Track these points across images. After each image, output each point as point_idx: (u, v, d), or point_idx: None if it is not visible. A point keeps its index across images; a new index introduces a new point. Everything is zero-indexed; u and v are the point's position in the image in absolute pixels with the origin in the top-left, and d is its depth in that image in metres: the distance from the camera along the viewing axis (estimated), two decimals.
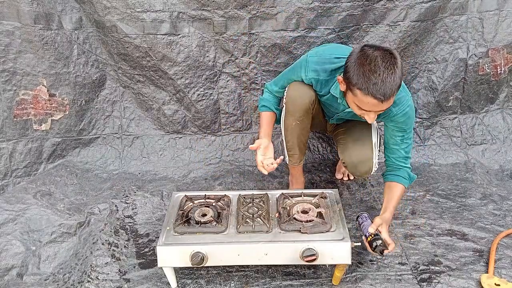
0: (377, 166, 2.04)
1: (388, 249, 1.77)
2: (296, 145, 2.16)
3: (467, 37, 2.68)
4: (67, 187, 2.50)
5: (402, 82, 1.90)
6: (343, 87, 1.76)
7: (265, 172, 1.94)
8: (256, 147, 1.93)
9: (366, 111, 1.72)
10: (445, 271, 1.90)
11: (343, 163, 2.15)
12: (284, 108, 2.10)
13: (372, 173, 2.05)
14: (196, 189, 2.55)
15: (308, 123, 2.13)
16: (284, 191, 2.06)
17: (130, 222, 2.28)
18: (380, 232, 1.79)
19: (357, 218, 1.93)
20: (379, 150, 2.09)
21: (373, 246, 1.76)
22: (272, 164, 1.92)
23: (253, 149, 1.94)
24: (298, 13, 2.50)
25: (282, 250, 1.73)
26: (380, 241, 1.76)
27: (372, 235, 1.78)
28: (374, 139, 2.06)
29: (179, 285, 1.87)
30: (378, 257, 1.98)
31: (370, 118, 1.75)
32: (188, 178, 2.66)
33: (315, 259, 1.69)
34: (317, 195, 1.99)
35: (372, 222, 1.83)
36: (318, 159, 2.78)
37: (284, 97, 2.08)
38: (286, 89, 2.07)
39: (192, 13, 2.52)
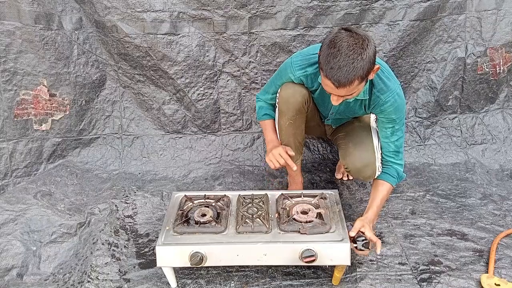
0: (380, 170, 2.03)
1: (373, 242, 1.76)
2: (291, 144, 2.15)
3: (465, 36, 2.68)
4: (67, 187, 2.50)
5: (389, 72, 1.91)
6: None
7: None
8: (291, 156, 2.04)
9: (329, 92, 1.74)
10: (445, 271, 1.90)
11: (346, 168, 2.12)
12: (277, 108, 2.10)
13: (375, 176, 2.04)
14: (196, 189, 2.55)
15: (302, 123, 2.12)
16: (284, 192, 2.07)
17: (130, 222, 2.28)
18: (363, 233, 1.77)
19: None
20: (381, 153, 2.08)
21: (357, 243, 1.74)
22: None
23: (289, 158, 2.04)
24: (297, 12, 2.51)
25: (281, 251, 1.73)
26: (363, 238, 1.75)
27: (356, 236, 1.77)
28: (375, 142, 2.04)
29: (179, 285, 1.87)
30: (378, 256, 1.98)
31: (333, 100, 1.76)
32: (188, 178, 2.67)
33: (314, 260, 1.69)
34: (317, 195, 1.99)
35: None
36: (318, 159, 2.77)
37: (277, 97, 2.07)
38: (279, 90, 2.06)
39: (192, 13, 2.52)
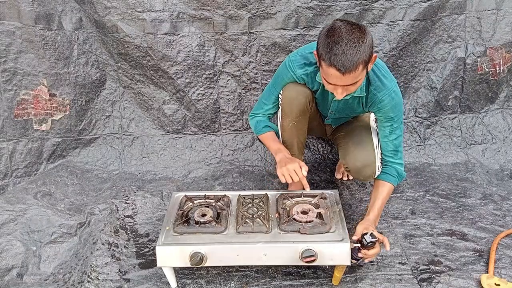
0: (380, 169, 2.02)
1: (380, 239, 1.75)
2: (294, 145, 2.15)
3: (465, 36, 2.68)
4: (68, 187, 2.50)
5: (385, 70, 1.91)
6: (318, 62, 1.76)
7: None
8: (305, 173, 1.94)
9: (332, 84, 1.72)
10: (445, 271, 1.90)
11: (346, 168, 2.12)
12: (280, 109, 2.09)
13: (375, 176, 2.03)
14: (196, 189, 2.55)
15: (305, 123, 2.12)
16: (284, 192, 2.06)
17: (130, 222, 2.28)
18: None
19: None
20: (380, 153, 2.08)
21: (363, 238, 1.72)
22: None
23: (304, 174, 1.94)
24: (297, 12, 2.51)
25: (281, 251, 1.73)
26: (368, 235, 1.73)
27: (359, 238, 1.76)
28: (375, 141, 2.04)
29: (179, 285, 1.87)
30: (378, 256, 1.98)
31: (338, 93, 1.74)
32: (188, 178, 2.67)
33: (314, 260, 1.69)
34: (317, 195, 1.99)
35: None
36: (318, 159, 2.77)
37: (280, 98, 2.06)
38: (281, 91, 2.05)
39: (192, 13, 2.52)
